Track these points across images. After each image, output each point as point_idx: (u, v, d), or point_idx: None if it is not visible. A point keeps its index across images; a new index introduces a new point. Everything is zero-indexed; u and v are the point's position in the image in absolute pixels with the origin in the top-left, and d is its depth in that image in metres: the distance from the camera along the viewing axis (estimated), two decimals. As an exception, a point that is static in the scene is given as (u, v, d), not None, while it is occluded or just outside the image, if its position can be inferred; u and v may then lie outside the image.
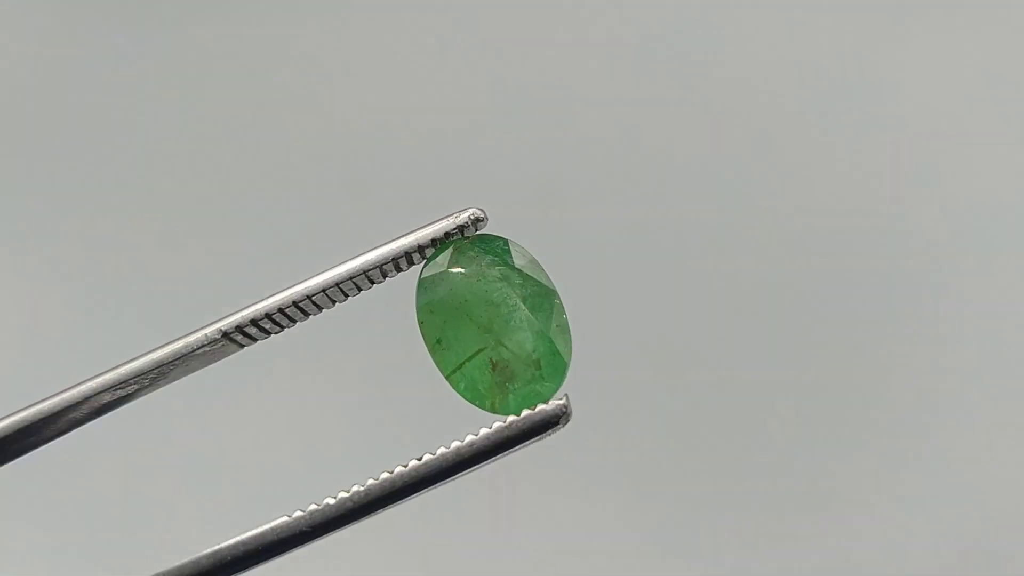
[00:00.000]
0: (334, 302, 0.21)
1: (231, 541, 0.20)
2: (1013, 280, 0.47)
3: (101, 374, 0.21)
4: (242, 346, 0.22)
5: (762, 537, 0.45)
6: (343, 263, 0.21)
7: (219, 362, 0.22)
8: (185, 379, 0.21)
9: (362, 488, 0.20)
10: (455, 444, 0.20)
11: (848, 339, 0.47)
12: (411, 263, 0.21)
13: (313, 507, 0.20)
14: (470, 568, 0.45)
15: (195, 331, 0.21)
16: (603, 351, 0.45)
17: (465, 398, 0.21)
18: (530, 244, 0.21)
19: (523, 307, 0.21)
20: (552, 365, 0.21)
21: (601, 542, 0.45)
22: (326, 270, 0.21)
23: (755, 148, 0.49)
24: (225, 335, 0.21)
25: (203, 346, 0.21)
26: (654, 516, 0.45)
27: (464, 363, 0.21)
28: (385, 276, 0.21)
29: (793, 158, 0.49)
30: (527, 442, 0.20)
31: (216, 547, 0.20)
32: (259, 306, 0.21)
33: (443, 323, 0.21)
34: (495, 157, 0.49)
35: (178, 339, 0.21)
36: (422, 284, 0.21)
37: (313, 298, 0.21)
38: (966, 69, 0.50)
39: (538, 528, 0.45)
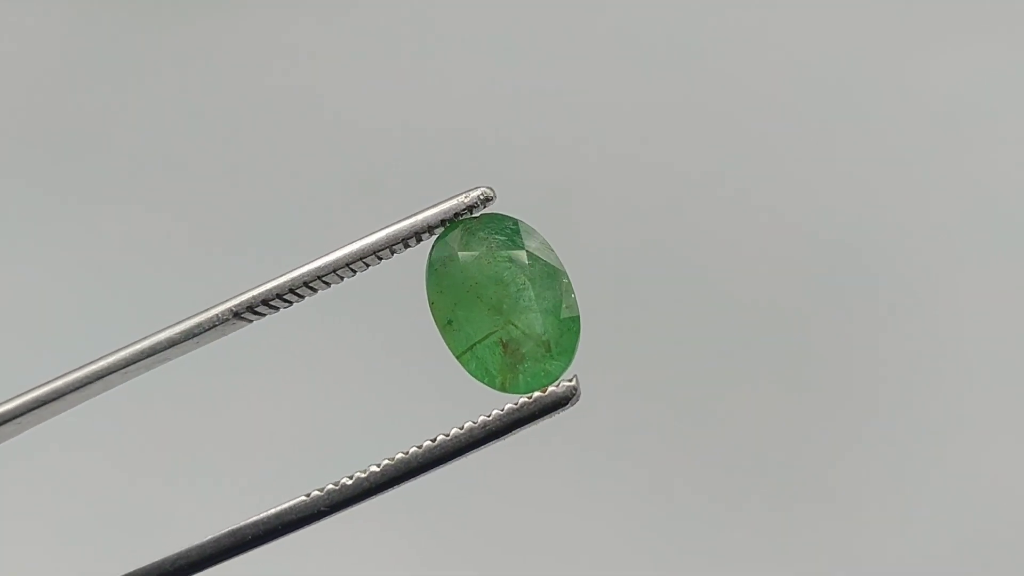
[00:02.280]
0: (342, 278, 0.22)
1: (250, 519, 0.21)
2: (1017, 279, 0.47)
3: (113, 352, 0.21)
4: (250, 321, 0.22)
5: (765, 532, 0.46)
6: (351, 243, 0.21)
7: (227, 339, 0.22)
8: (197, 358, 0.22)
9: (378, 468, 0.21)
10: (468, 425, 0.21)
11: (854, 337, 0.47)
12: (419, 241, 0.22)
13: (331, 486, 0.21)
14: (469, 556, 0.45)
15: (205, 310, 0.21)
16: (614, 339, 0.46)
17: (475, 377, 0.21)
18: (544, 230, 0.21)
19: (532, 288, 0.21)
20: (561, 345, 0.21)
21: (602, 530, 0.46)
22: (334, 250, 0.21)
23: (757, 146, 0.49)
24: (236, 315, 0.21)
25: (214, 326, 0.21)
26: (657, 510, 0.46)
27: (475, 344, 0.21)
28: (393, 254, 0.22)
29: (801, 156, 0.49)
30: (536, 421, 0.21)
31: (237, 525, 0.21)
32: (269, 286, 0.21)
33: (454, 304, 0.21)
34: (505, 154, 0.49)
35: (188, 318, 0.21)
36: (432, 265, 0.21)
37: (323, 277, 0.21)
38: (967, 70, 0.49)
39: (538, 513, 0.46)
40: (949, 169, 0.49)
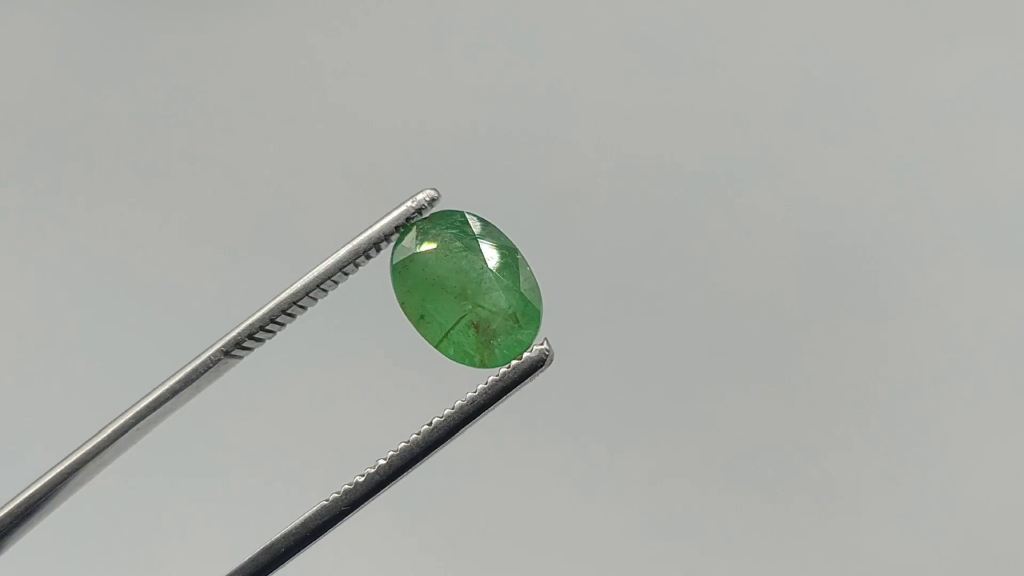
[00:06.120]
0: (316, 299, 0.23)
1: (281, 533, 0.22)
2: (1020, 278, 0.48)
3: (119, 417, 0.23)
4: (241, 358, 0.23)
5: (764, 529, 0.47)
6: (318, 264, 0.23)
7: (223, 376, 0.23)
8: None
9: (385, 461, 0.22)
10: (458, 403, 0.23)
11: (855, 335, 0.48)
12: (379, 250, 0.23)
13: (347, 486, 0.22)
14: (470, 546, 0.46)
15: (197, 356, 0.23)
16: (618, 338, 0.47)
17: (456, 361, 0.23)
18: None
19: (490, 269, 0.23)
20: (527, 315, 0.23)
21: (603, 524, 0.47)
22: (303, 275, 0.23)
23: (758, 145, 0.50)
24: (226, 354, 0.23)
25: (208, 369, 0.23)
26: (658, 508, 0.47)
27: (449, 331, 0.23)
28: (358, 267, 0.23)
29: (802, 156, 0.50)
30: (519, 387, 0.23)
31: (268, 542, 0.22)
32: (251, 320, 0.23)
33: (422, 300, 0.23)
34: (504, 152, 0.50)
35: (184, 367, 0.23)
36: (395, 269, 0.23)
37: (299, 302, 0.23)
38: (970, 71, 0.51)
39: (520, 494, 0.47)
40: (951, 170, 0.50)
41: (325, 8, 0.53)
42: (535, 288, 0.23)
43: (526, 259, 0.23)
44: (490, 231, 0.23)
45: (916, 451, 0.48)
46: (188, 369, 0.23)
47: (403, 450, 0.22)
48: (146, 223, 0.50)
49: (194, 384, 0.23)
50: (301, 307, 0.23)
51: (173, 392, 0.23)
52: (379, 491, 0.23)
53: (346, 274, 0.23)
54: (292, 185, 0.51)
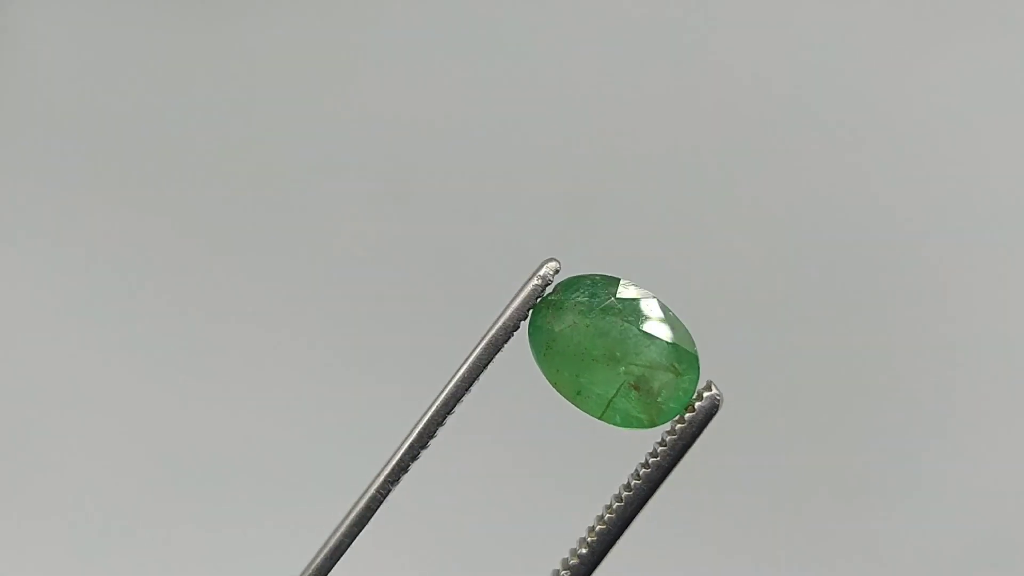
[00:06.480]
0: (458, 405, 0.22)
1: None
2: None
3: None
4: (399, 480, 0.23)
5: (782, 529, 0.46)
6: (457, 371, 0.22)
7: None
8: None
9: (587, 551, 0.22)
10: (643, 471, 0.22)
11: (875, 332, 0.47)
12: (512, 336, 0.22)
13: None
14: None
15: (363, 494, 0.22)
16: None
17: (625, 427, 0.22)
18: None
19: (632, 325, 0.22)
20: (683, 361, 0.22)
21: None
22: (445, 386, 0.22)
23: (763, 145, 0.49)
24: (393, 482, 0.22)
25: (379, 504, 0.22)
26: (675, 508, 0.46)
27: (611, 400, 0.22)
28: (493, 359, 0.22)
29: (808, 156, 0.49)
30: (697, 439, 0.22)
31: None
32: (405, 447, 0.22)
33: (575, 376, 0.22)
34: (504, 152, 0.49)
35: (354, 507, 0.22)
36: (539, 352, 0.22)
37: (447, 415, 0.22)
38: (974, 69, 0.49)
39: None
40: (955, 170, 0.49)
41: (343, 6, 0.51)
42: (682, 330, 0.22)
43: (664, 302, 0.22)
44: (620, 286, 0.22)
45: (932, 447, 0.47)
46: (360, 508, 0.22)
47: (600, 533, 0.22)
48: (147, 224, 0.50)
49: (369, 522, 0.22)
50: (451, 412, 0.22)
51: (351, 536, 0.22)
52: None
53: (485, 368, 0.22)
54: (313, 185, 0.50)
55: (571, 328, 0.22)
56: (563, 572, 0.22)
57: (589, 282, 0.22)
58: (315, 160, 0.50)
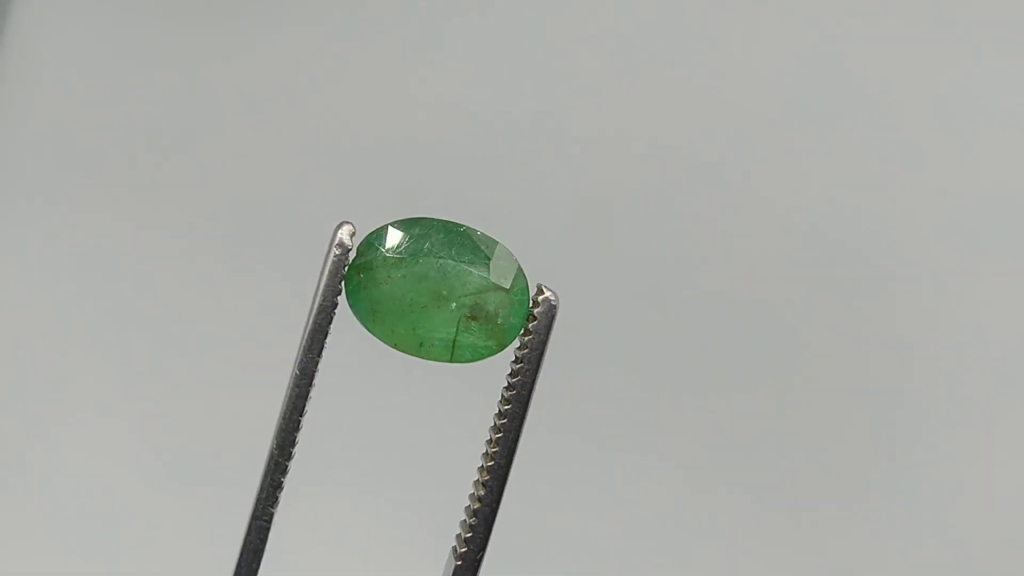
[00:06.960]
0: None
1: None
2: None
3: None
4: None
5: (789, 530, 0.46)
6: (293, 367, 0.21)
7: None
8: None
9: (489, 476, 0.21)
10: (510, 395, 0.21)
11: (882, 336, 0.46)
12: (336, 306, 0.21)
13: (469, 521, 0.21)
14: None
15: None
16: (630, 340, 0.45)
17: (477, 360, 0.22)
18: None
19: (447, 259, 0.21)
20: (506, 271, 0.21)
21: (626, 526, 0.46)
22: (287, 392, 0.21)
23: (769, 145, 0.47)
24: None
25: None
26: (682, 509, 0.45)
27: (454, 339, 0.21)
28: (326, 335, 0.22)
29: (813, 157, 0.47)
30: (548, 343, 0.21)
31: None
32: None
33: (412, 330, 0.21)
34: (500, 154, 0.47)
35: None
36: (365, 318, 0.21)
37: (303, 412, 0.21)
38: (984, 75, 0.48)
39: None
40: (962, 172, 0.48)
41: (342, 13, 0.49)
42: (494, 244, 0.22)
43: (467, 224, 0.22)
44: (417, 224, 0.21)
45: (939, 452, 0.47)
46: (252, 537, 0.21)
47: (491, 468, 0.21)
48: (150, 225, 0.48)
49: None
50: (303, 414, 0.21)
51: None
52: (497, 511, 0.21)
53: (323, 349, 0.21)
54: (320, 187, 0.48)
55: (389, 283, 0.21)
56: (470, 520, 0.21)
57: (387, 233, 0.21)
58: (322, 163, 0.48)
